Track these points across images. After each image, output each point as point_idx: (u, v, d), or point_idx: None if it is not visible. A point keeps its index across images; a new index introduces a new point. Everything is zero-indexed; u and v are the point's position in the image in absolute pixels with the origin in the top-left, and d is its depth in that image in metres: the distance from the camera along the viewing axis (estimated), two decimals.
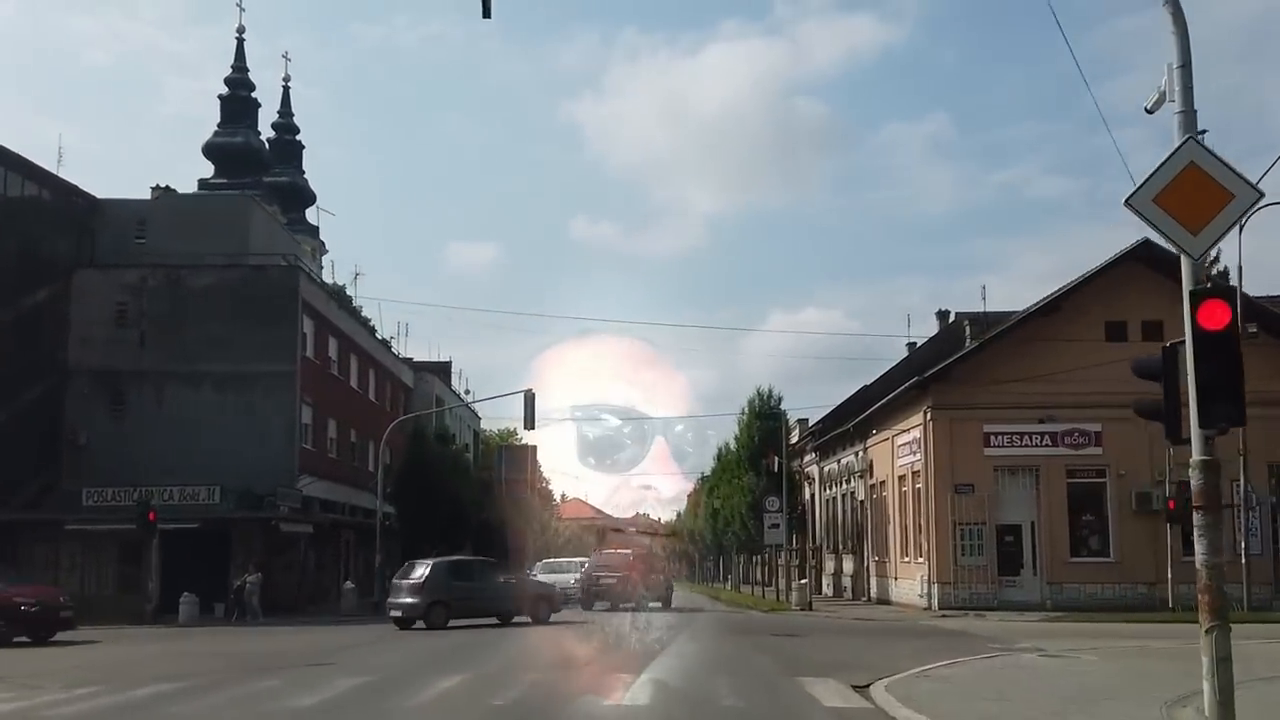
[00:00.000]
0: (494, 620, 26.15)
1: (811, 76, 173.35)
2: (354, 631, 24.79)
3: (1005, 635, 20.30)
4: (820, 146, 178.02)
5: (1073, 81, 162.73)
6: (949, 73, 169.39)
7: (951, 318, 46.06)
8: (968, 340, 38.09)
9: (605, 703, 11.43)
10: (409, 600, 25.27)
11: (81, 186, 39.57)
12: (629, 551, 39.92)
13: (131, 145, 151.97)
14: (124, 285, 37.33)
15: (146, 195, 41.91)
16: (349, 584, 35.39)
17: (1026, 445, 29.96)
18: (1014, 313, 34.90)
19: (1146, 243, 30.52)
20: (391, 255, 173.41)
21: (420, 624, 24.95)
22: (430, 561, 26.92)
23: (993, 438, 30.00)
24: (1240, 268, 25.86)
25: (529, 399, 34.44)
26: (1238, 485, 27.65)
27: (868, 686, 12.09)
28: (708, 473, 63.81)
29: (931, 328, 47.39)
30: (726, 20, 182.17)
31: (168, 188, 42.82)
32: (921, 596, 30.69)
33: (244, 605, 31.43)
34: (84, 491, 33.80)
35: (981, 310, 42.41)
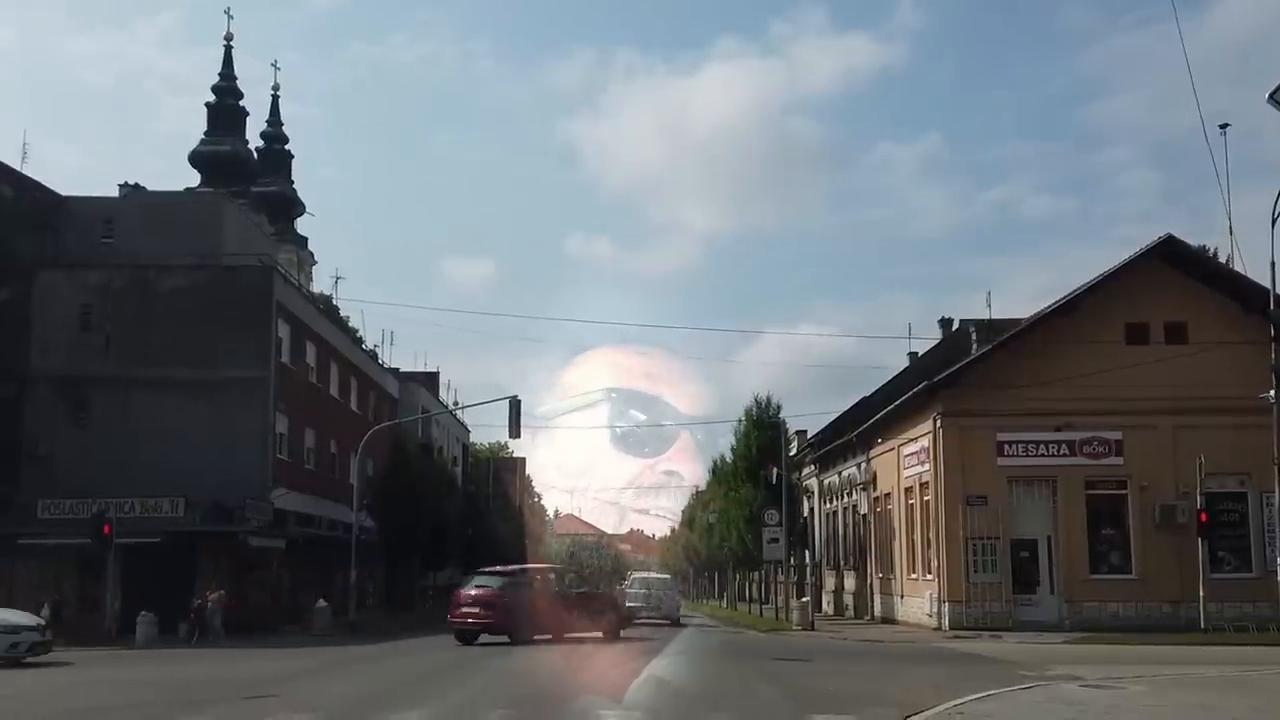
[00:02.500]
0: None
1: (807, 96, 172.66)
2: (319, 654, 22.78)
3: (1030, 660, 18.45)
4: (815, 165, 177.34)
5: (1063, 102, 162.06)
6: (942, 93, 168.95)
7: (955, 325, 44.31)
8: (974, 346, 36.39)
9: None
10: None
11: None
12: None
13: (125, 163, 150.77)
14: (89, 286, 35.40)
15: (114, 193, 40.01)
16: (322, 602, 33.36)
17: (1042, 455, 28.25)
18: (1019, 320, 33.16)
19: (1169, 240, 28.96)
20: (386, 271, 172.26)
21: None
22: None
23: (1006, 446, 28.28)
24: (1274, 263, 23.93)
25: (514, 406, 32.56)
26: (1270, 498, 25.97)
27: None
28: (703, 486, 62.03)
29: (927, 345, 45.43)
30: (723, 39, 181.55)
31: (136, 185, 40.91)
32: (930, 615, 28.85)
33: (205, 625, 29.45)
34: (40, 504, 31.77)
35: (986, 318, 40.71)
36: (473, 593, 24.94)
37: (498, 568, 28.39)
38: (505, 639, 24.09)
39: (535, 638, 24.28)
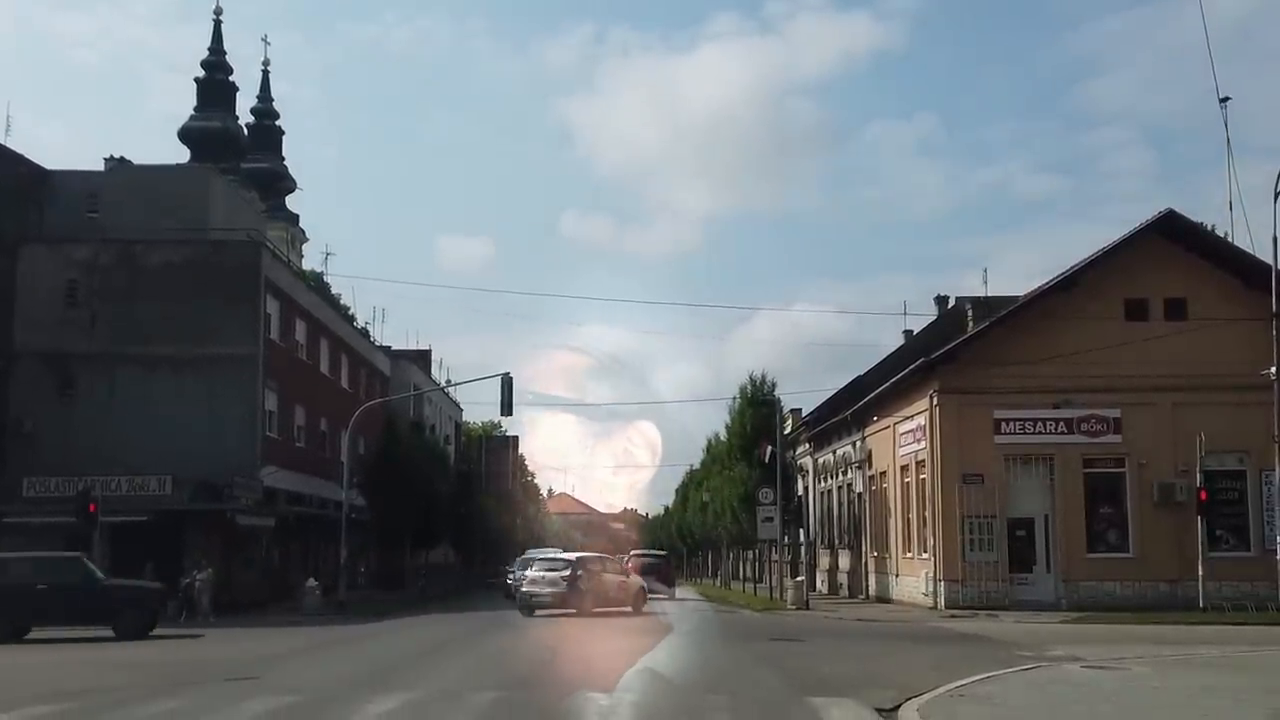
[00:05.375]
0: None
1: (803, 75, 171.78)
2: (307, 634, 22.50)
3: (1029, 640, 18.18)
4: (811, 145, 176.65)
5: (1056, 82, 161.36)
6: (937, 72, 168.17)
7: (951, 303, 43.91)
8: (970, 324, 35.97)
9: None
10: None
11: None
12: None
13: (115, 141, 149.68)
14: (74, 261, 34.79)
15: (100, 167, 39.40)
16: (312, 581, 33.03)
17: (1040, 432, 27.86)
18: (1015, 298, 32.79)
19: (1170, 215, 28.52)
20: (381, 249, 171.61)
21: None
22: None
23: (1004, 424, 27.87)
24: (1275, 238, 23.56)
25: (506, 383, 32.13)
26: (1269, 476, 25.71)
27: (896, 710, 9.91)
28: (697, 465, 61.69)
29: (923, 322, 45.00)
30: (719, 17, 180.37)
31: (122, 159, 40.28)
32: (926, 595, 28.59)
33: (193, 605, 29.08)
34: (25, 482, 31.36)
35: (982, 296, 40.31)
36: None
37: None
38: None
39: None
